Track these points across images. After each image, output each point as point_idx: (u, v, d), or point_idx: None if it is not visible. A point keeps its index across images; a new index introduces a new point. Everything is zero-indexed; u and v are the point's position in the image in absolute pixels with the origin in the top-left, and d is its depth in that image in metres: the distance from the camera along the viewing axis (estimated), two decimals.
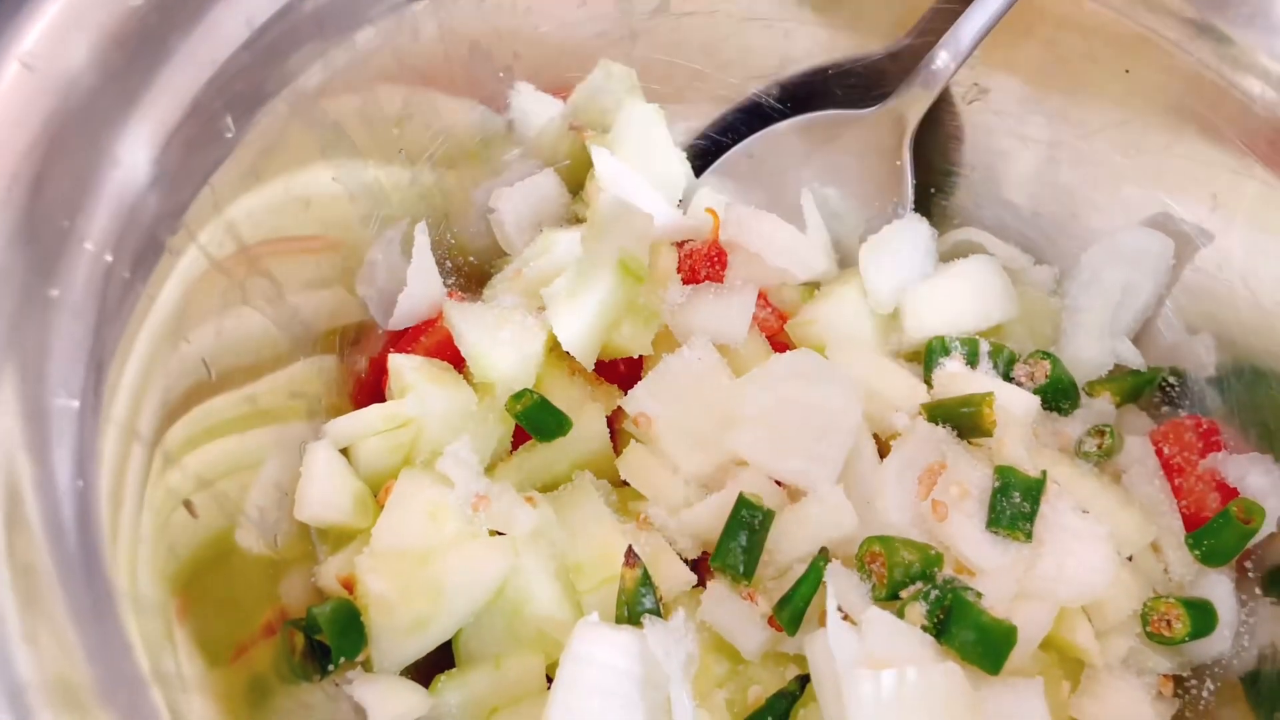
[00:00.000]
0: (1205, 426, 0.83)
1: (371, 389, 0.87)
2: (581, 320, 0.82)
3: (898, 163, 0.93)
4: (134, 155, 0.63)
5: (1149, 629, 0.76)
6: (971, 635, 0.68)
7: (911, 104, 0.90)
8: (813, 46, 0.96)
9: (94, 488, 0.56)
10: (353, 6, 0.77)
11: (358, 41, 0.78)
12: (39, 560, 0.49)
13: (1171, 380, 0.88)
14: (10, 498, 0.50)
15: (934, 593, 0.71)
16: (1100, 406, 0.87)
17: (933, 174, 0.98)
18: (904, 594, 0.72)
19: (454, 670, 0.76)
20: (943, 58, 0.88)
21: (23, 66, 0.59)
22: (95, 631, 0.50)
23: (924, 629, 0.70)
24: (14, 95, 0.58)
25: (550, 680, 0.75)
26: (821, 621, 0.74)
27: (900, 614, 0.70)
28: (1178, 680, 0.78)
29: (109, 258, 0.61)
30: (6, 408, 0.52)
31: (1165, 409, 0.89)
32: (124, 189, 0.62)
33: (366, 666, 0.74)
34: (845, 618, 0.68)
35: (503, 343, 0.82)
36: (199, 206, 0.69)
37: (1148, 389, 0.88)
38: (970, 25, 0.85)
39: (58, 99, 0.59)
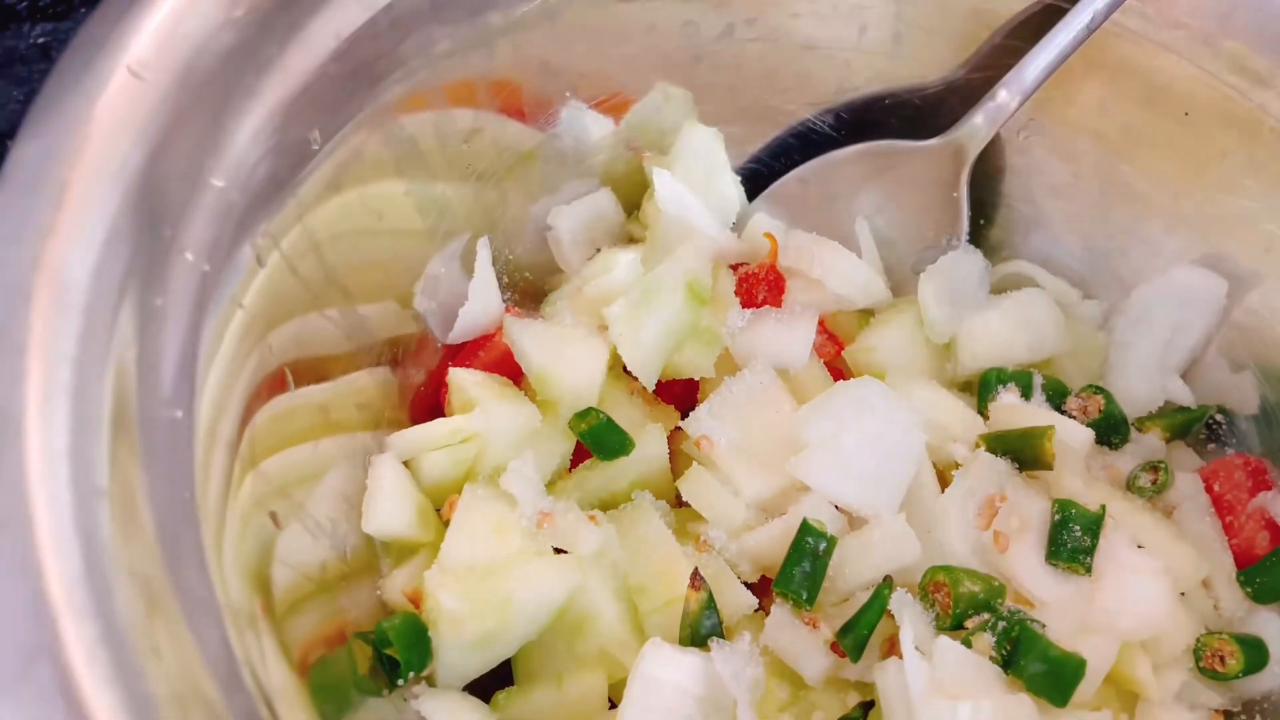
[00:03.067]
0: (1254, 465, 0.85)
1: (428, 402, 0.87)
2: (646, 341, 0.83)
3: (954, 195, 0.94)
4: (231, 165, 0.63)
5: (1201, 664, 0.77)
6: (1041, 667, 0.69)
7: (972, 137, 0.91)
8: (871, 76, 0.97)
9: (195, 496, 0.56)
10: (434, 20, 0.78)
11: (437, 54, 0.79)
12: (155, 573, 0.49)
13: (1218, 418, 0.90)
14: (126, 507, 0.50)
15: (1001, 624, 0.71)
16: (1150, 442, 0.88)
17: (982, 205, 0.99)
18: (968, 624, 0.73)
19: (515, 688, 0.76)
20: (1005, 94, 0.89)
21: (130, 74, 0.59)
22: (211, 645, 0.50)
23: (991, 660, 0.70)
24: (123, 102, 0.58)
25: (612, 700, 0.75)
26: (884, 648, 0.75)
27: (967, 644, 0.71)
28: (1228, 715, 0.79)
29: (206, 267, 0.61)
30: (120, 418, 0.52)
31: (1211, 446, 0.90)
32: (221, 198, 0.62)
33: (429, 681, 0.74)
34: (916, 649, 0.69)
35: (567, 361, 0.82)
36: (284, 216, 0.69)
37: (1196, 426, 0.90)
38: (1036, 64, 0.86)
39: (163, 107, 0.59)
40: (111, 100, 0.58)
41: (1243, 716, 0.79)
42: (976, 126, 0.91)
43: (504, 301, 0.91)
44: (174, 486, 0.54)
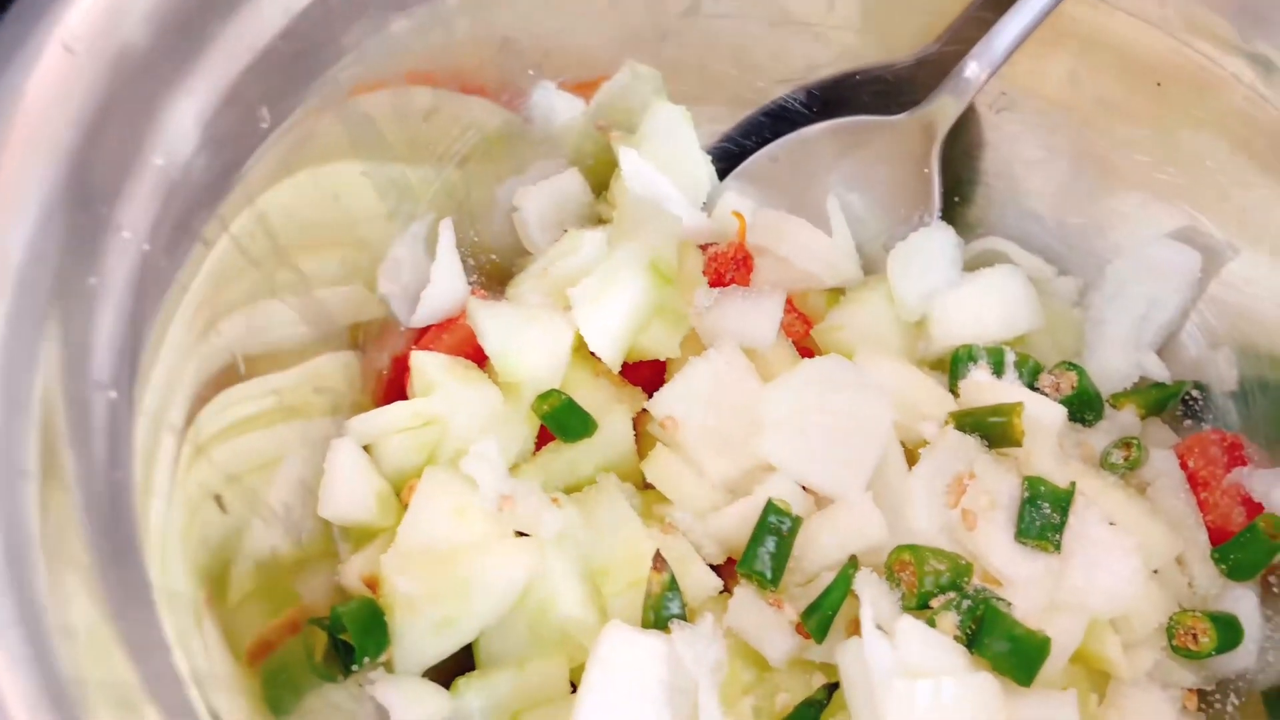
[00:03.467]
0: (1230, 441, 0.83)
1: (394, 387, 0.86)
2: (610, 321, 0.81)
3: (925, 170, 0.93)
4: (172, 143, 0.62)
5: (1174, 642, 0.76)
6: (1005, 646, 0.68)
7: (941, 112, 0.90)
8: (841, 52, 0.95)
9: (130, 480, 0.55)
10: None
11: (393, 33, 0.77)
12: (80, 555, 0.48)
13: (1195, 394, 0.88)
14: (52, 488, 0.49)
15: (966, 603, 0.70)
16: (1124, 419, 0.87)
17: (957, 182, 0.97)
18: (933, 603, 0.72)
19: (475, 672, 0.75)
20: (974, 67, 0.88)
21: (65, 49, 0.58)
22: (135, 627, 0.49)
23: (956, 639, 0.69)
24: (56, 78, 0.57)
25: (574, 684, 0.74)
26: (848, 629, 0.73)
27: (931, 623, 0.70)
28: (1201, 694, 0.78)
29: (146, 246, 0.60)
30: (49, 398, 0.51)
31: (1188, 422, 0.89)
32: (161, 177, 0.61)
33: (388, 667, 0.73)
34: (878, 627, 0.68)
35: (529, 342, 0.81)
36: (232, 197, 0.68)
37: (1172, 402, 0.88)
38: (1003, 36, 0.85)
39: (99, 83, 0.58)
40: (44, 76, 0.57)
41: (1217, 695, 0.78)
42: (946, 101, 0.90)
43: (470, 284, 0.90)
44: (107, 468, 0.53)
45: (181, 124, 0.63)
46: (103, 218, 0.57)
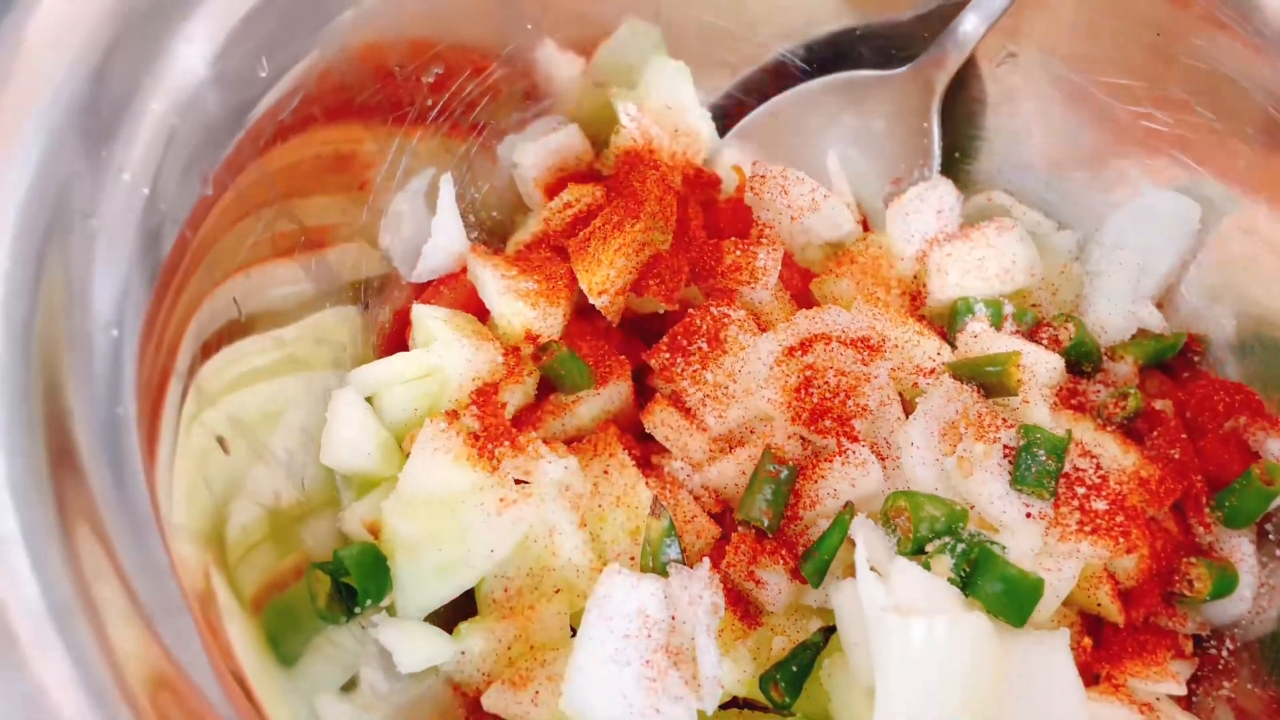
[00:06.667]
0: (1228, 389, 0.83)
1: (395, 341, 0.87)
2: (608, 275, 0.82)
3: (925, 125, 0.93)
4: (172, 89, 0.63)
5: (1169, 588, 0.77)
6: (998, 587, 0.68)
7: (940, 66, 0.90)
8: (840, 6, 0.95)
9: (133, 416, 0.55)
10: None
11: None
12: (80, 482, 0.49)
13: (1195, 345, 0.88)
14: (54, 420, 0.50)
15: (960, 546, 0.71)
16: (1122, 370, 0.87)
17: (958, 137, 0.98)
18: (928, 548, 0.72)
19: (477, 617, 0.76)
20: (972, 20, 0.88)
21: None
22: (135, 553, 0.50)
23: (950, 581, 0.70)
24: (57, 19, 0.58)
25: (573, 629, 0.75)
26: (845, 575, 0.74)
27: (926, 566, 0.70)
28: (1196, 640, 0.79)
29: (146, 190, 0.61)
30: (48, 334, 0.52)
31: (1186, 374, 0.89)
32: (161, 122, 0.62)
33: (391, 611, 0.74)
34: (872, 569, 0.68)
35: (528, 295, 0.82)
36: (235, 148, 0.68)
37: (1170, 353, 0.88)
38: None
39: (98, 28, 0.59)
40: (46, 18, 0.58)
41: (1212, 641, 0.79)
42: (945, 54, 0.90)
43: (472, 240, 0.91)
44: (107, 403, 0.54)
45: (182, 72, 0.63)
46: (103, 160, 0.58)
